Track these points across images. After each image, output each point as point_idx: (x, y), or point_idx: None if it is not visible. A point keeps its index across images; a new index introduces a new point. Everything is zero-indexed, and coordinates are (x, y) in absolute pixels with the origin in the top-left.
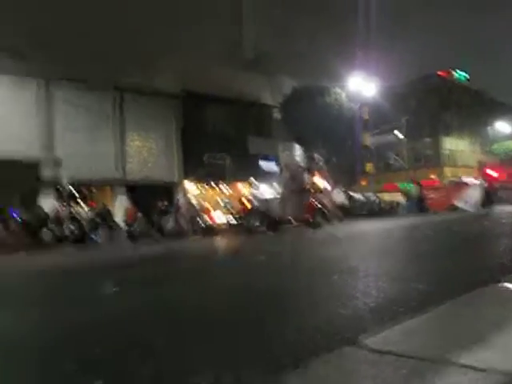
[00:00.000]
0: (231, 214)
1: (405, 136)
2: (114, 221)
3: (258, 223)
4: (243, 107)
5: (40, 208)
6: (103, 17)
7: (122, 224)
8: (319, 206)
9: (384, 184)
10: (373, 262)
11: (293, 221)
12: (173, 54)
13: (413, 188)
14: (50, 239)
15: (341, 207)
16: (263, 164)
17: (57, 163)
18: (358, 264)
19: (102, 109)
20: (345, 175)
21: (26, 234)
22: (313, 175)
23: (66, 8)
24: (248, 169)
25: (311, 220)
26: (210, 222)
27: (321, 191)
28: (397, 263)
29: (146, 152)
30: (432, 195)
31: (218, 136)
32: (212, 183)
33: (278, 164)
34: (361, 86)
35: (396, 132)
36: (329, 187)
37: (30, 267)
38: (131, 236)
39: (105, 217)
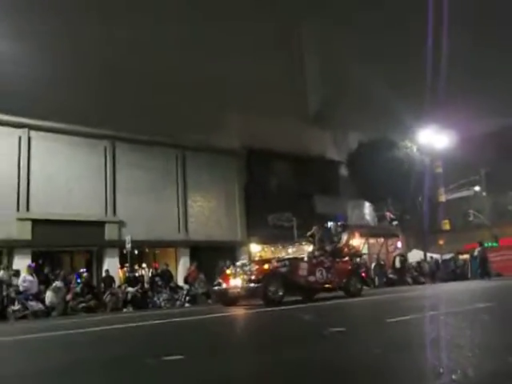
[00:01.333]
0: (248, 276)
1: (485, 190)
2: (175, 282)
3: (280, 290)
4: (308, 163)
5: (105, 270)
6: (162, 76)
7: (183, 285)
8: (357, 269)
9: (465, 244)
10: (452, 330)
11: (326, 286)
12: (233, 110)
13: (476, 249)
14: (113, 302)
15: (402, 271)
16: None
17: (120, 225)
18: (435, 333)
19: (163, 168)
20: (419, 234)
21: (91, 296)
22: (353, 235)
23: (127, 75)
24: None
25: (347, 285)
26: (224, 286)
27: (360, 254)
28: (481, 332)
29: (208, 211)
30: (498, 257)
31: (282, 194)
32: (278, 244)
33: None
34: (433, 138)
35: (475, 187)
36: (399, 246)
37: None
38: (192, 297)
39: (167, 278)
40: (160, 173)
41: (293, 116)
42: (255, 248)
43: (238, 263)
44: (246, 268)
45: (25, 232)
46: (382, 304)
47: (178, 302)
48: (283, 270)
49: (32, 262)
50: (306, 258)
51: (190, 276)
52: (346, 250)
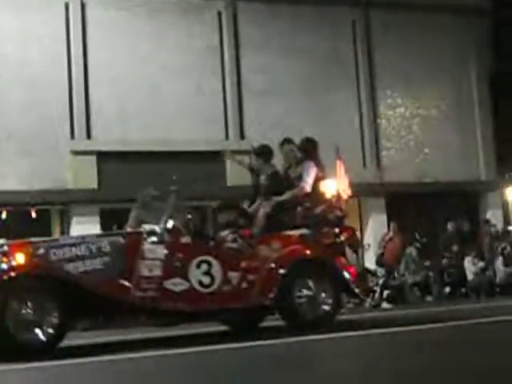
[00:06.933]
0: None
1: None
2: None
3: (51, 316)
4: None
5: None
6: None
7: (376, 269)
8: (325, 257)
9: None
10: None
11: (222, 304)
12: None
13: None
14: None
15: None
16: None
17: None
18: None
19: (328, 47)
20: None
21: None
22: (320, 169)
23: None
24: None
25: (285, 299)
26: None
27: (338, 215)
28: None
29: (419, 127)
30: None
31: None
32: None
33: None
34: None
35: None
36: None
37: None
38: (395, 291)
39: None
40: (322, 57)
41: None
42: None
43: None
44: None
45: (84, 175)
46: None
47: (369, 302)
48: (73, 265)
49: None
50: (158, 234)
51: (389, 250)
52: (300, 206)
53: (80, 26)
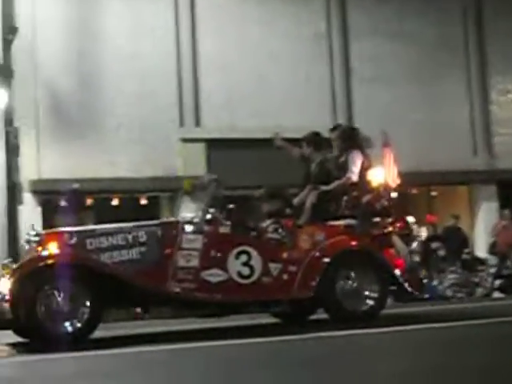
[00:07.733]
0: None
1: None
2: (472, 252)
3: (82, 309)
4: None
5: None
6: None
7: (488, 257)
8: (371, 249)
9: None
10: None
11: (258, 297)
12: None
13: None
14: None
15: None
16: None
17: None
18: None
19: (435, 35)
20: None
21: None
22: (366, 159)
23: None
24: None
25: (326, 293)
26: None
27: (384, 205)
28: None
29: None
30: None
31: None
32: None
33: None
34: None
35: None
36: None
37: None
38: (506, 280)
39: (456, 243)
40: (429, 43)
41: None
42: None
43: (31, 233)
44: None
45: (193, 162)
46: None
47: (481, 290)
48: (108, 255)
49: None
50: (196, 224)
51: (502, 238)
52: (346, 196)
53: (189, 15)
